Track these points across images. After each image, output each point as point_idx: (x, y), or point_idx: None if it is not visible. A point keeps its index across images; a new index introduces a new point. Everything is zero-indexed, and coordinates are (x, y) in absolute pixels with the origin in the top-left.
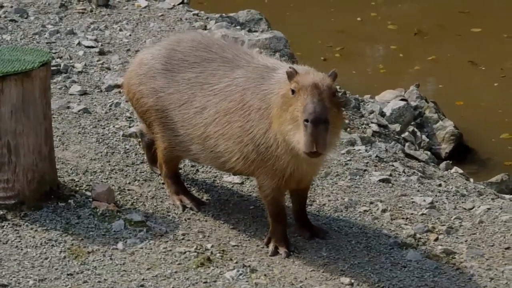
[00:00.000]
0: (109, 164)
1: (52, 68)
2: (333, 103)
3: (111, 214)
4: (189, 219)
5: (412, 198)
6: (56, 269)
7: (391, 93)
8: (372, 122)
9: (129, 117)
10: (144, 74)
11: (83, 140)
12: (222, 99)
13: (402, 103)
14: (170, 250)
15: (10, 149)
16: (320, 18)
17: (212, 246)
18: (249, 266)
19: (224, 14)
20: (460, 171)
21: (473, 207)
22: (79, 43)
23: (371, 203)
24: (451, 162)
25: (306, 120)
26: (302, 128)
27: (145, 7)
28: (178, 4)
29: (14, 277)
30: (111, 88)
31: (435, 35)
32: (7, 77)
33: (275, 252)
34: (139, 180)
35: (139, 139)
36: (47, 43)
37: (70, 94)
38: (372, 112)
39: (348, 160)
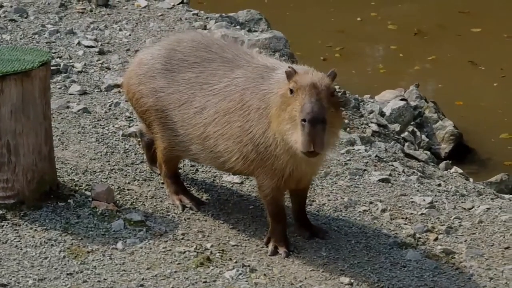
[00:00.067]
0: (109, 164)
1: (51, 67)
2: (331, 103)
3: (110, 214)
4: (188, 218)
5: (411, 198)
6: (56, 268)
7: (391, 93)
8: (371, 122)
9: (129, 117)
10: (143, 74)
11: (83, 140)
12: (221, 99)
13: (402, 103)
14: (170, 250)
15: (9, 149)
16: (320, 18)
17: (211, 246)
18: (249, 265)
19: (224, 14)
20: (460, 171)
21: (473, 207)
22: (78, 43)
23: (371, 203)
24: (450, 162)
25: (304, 120)
26: (299, 128)
27: (144, 7)
28: (178, 4)
29: (13, 276)
30: (110, 88)
31: (435, 35)
32: (7, 77)
33: (275, 252)
34: (138, 180)
35: (139, 139)
36: (46, 42)
37: (70, 94)
38: (371, 112)
39: (348, 160)
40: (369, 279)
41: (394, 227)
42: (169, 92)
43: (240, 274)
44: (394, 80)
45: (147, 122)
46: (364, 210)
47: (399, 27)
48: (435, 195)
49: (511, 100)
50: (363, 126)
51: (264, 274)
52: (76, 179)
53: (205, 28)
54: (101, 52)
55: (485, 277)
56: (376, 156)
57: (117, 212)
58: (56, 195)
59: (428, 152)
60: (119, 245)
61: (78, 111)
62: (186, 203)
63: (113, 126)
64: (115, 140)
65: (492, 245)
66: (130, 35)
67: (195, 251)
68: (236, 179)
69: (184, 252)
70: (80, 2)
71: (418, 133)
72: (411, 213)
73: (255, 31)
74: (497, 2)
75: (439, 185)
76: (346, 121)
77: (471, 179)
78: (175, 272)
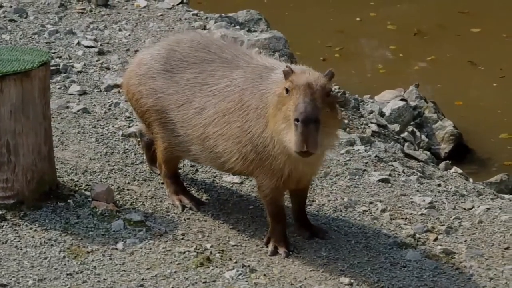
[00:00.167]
0: (109, 164)
1: (51, 68)
2: (326, 103)
3: (110, 214)
4: (188, 219)
5: (411, 198)
6: (56, 268)
7: (390, 93)
8: (371, 122)
9: (129, 117)
10: (143, 75)
11: (83, 140)
12: (221, 100)
13: (402, 103)
14: (170, 250)
15: (9, 149)
16: (320, 18)
17: (211, 246)
18: (249, 266)
19: (223, 14)
20: (460, 171)
21: (473, 207)
22: (78, 43)
23: (371, 203)
24: (450, 162)
25: (297, 120)
26: (293, 128)
27: (144, 7)
28: (178, 4)
29: (13, 276)
30: (110, 88)
31: (434, 35)
32: (6, 77)
33: (275, 252)
34: (138, 180)
35: (139, 139)
36: (46, 43)
37: (70, 94)
38: (371, 112)
39: (348, 160)
40: (369, 279)
41: (394, 227)
42: (169, 93)
43: (240, 274)
44: (394, 80)
45: (147, 122)
46: (364, 210)
47: (398, 27)
48: (435, 195)
49: (511, 100)
50: (362, 126)
51: (264, 274)
52: (75, 179)
53: (204, 28)
54: (100, 52)
55: (485, 277)
56: (375, 156)
57: (117, 212)
58: (56, 195)
59: (428, 152)
60: (119, 245)
61: (78, 111)
62: (186, 203)
63: (113, 126)
64: (115, 140)
65: (492, 245)
66: (129, 35)
67: (195, 251)
68: (236, 179)
69: (184, 252)
70: (80, 2)
71: (417, 133)
72: (411, 213)
73: (255, 31)
74: (497, 2)
75: (439, 185)
76: (346, 121)
77: (471, 179)
78: (175, 272)
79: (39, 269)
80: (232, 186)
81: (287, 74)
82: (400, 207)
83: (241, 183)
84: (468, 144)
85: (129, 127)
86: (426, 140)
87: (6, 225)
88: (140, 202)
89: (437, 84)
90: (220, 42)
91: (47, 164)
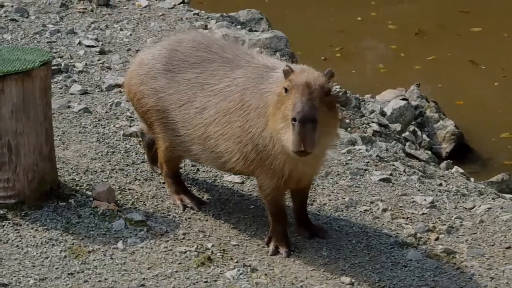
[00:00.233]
0: (110, 164)
1: (52, 67)
2: (325, 103)
3: (111, 214)
4: (189, 218)
5: (412, 198)
6: (57, 268)
7: (391, 93)
8: (372, 122)
9: (130, 117)
10: (145, 74)
11: (84, 139)
12: (222, 99)
13: (403, 102)
14: (171, 250)
15: (10, 148)
16: (320, 17)
17: (212, 246)
18: (250, 265)
19: (224, 14)
20: (461, 170)
21: (474, 207)
22: (79, 43)
23: (372, 202)
24: (451, 161)
25: (294, 119)
26: (291, 127)
27: (145, 7)
28: (179, 4)
29: (14, 276)
30: (111, 88)
31: (435, 35)
32: (8, 76)
33: (276, 252)
34: (139, 180)
35: (140, 139)
36: (47, 42)
37: (71, 94)
38: (372, 111)
39: (349, 160)
40: (370, 279)
41: (395, 227)
42: (170, 93)
43: (241, 273)
44: (395, 79)
45: (148, 122)
46: (365, 210)
47: (399, 26)
48: (436, 195)
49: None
50: (364, 125)
51: (265, 274)
52: (77, 179)
53: (206, 28)
54: (102, 52)
55: (486, 276)
56: (377, 155)
57: (118, 212)
58: (57, 195)
59: (429, 152)
60: (120, 244)
61: (79, 110)
62: (187, 202)
63: (114, 126)
64: (116, 140)
65: (493, 245)
66: (131, 34)
67: (196, 251)
68: (237, 179)
69: (185, 251)
70: (81, 2)
71: (419, 133)
72: (412, 213)
73: (256, 30)
74: (497, 2)
75: (440, 184)
76: (347, 120)
77: (472, 179)
78: (176, 271)
79: (40, 269)
80: (233, 186)
81: (287, 73)
82: (401, 206)
83: (242, 182)
84: (469, 143)
85: (130, 126)
86: (427, 139)
87: (7, 225)
88: (141, 201)
89: (438, 83)
90: (221, 42)
91: (48, 164)
